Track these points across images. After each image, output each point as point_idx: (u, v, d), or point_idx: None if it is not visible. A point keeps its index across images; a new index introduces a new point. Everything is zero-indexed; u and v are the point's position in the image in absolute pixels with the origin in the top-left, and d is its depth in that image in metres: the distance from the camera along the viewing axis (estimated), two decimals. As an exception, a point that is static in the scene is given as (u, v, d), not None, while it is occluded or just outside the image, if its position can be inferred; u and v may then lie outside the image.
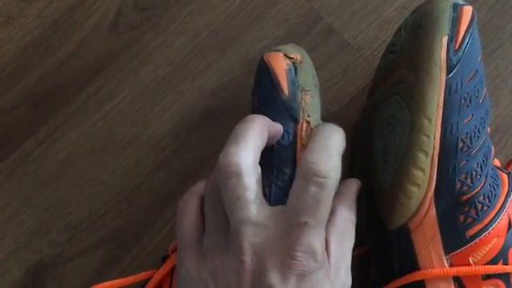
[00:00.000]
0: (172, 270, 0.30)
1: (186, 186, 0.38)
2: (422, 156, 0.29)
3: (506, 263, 0.30)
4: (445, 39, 0.29)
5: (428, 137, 0.29)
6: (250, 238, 0.25)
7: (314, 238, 0.25)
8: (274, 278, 0.25)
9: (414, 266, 0.31)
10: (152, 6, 0.41)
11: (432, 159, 0.29)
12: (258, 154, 0.27)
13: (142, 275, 0.31)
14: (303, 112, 0.29)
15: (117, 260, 0.39)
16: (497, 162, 0.33)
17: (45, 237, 0.39)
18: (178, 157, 0.40)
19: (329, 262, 0.27)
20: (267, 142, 0.28)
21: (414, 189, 0.29)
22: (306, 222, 0.25)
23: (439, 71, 0.29)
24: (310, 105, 0.29)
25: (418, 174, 0.29)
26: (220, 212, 0.27)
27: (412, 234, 0.31)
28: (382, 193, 0.32)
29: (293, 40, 0.41)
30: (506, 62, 0.41)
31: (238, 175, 0.25)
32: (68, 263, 0.39)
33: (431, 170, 0.29)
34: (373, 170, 0.33)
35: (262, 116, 0.28)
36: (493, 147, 0.32)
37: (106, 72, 0.40)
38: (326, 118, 0.40)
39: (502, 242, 0.30)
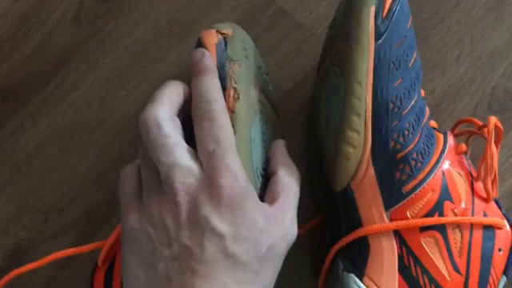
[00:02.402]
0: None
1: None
2: (355, 118, 0.31)
3: (441, 215, 0.31)
4: (372, 9, 0.31)
5: (359, 100, 0.31)
6: (181, 179, 0.28)
7: (230, 161, 0.28)
8: (206, 209, 0.27)
9: (358, 224, 0.33)
10: (112, -2, 0.43)
11: (365, 121, 0.31)
12: (175, 108, 0.30)
13: (94, 245, 0.33)
14: (230, 80, 0.31)
15: (89, 240, 0.40)
16: (433, 123, 0.35)
17: (19, 221, 0.41)
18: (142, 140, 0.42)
19: (272, 209, 0.30)
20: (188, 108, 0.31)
21: (350, 150, 0.31)
22: (213, 150, 0.28)
23: (368, 39, 0.31)
24: (238, 73, 0.31)
25: (353, 135, 0.31)
26: (153, 169, 0.29)
27: (355, 194, 0.33)
28: (326, 158, 0.34)
29: (247, 23, 0.43)
30: (450, 33, 0.42)
31: (157, 125, 0.28)
32: (43, 245, 0.41)
33: (365, 131, 0.31)
34: (319, 139, 0.35)
35: (176, 81, 0.31)
36: (427, 109, 0.34)
37: (71, 63, 0.43)
38: (282, 95, 0.42)
39: (436, 195, 0.32)
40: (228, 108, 0.30)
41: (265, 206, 0.30)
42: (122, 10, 0.43)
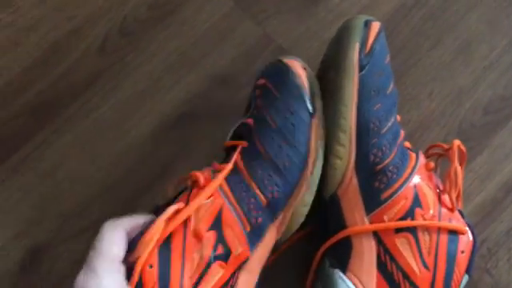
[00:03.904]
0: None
1: (160, 180, 0.46)
2: (341, 134, 0.37)
3: (413, 220, 0.37)
4: (357, 45, 0.38)
5: (345, 119, 0.37)
6: None
7: None
8: None
9: (343, 227, 0.38)
10: (133, 32, 0.50)
11: (350, 137, 0.37)
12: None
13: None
14: (315, 110, 0.37)
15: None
16: (408, 144, 0.41)
17: (40, 224, 0.45)
18: (154, 155, 0.47)
19: None
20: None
21: (337, 161, 0.37)
22: None
23: (353, 69, 0.37)
24: (319, 104, 0.37)
25: (340, 148, 0.37)
26: None
27: (340, 201, 0.38)
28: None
29: (250, 58, 0.50)
30: (424, 72, 0.49)
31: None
32: (60, 246, 0.45)
33: (350, 145, 0.37)
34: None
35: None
36: (402, 131, 0.40)
37: (94, 86, 0.49)
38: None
39: (409, 203, 0.37)
40: (315, 133, 0.36)
41: None
42: (141, 42, 0.50)
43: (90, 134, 0.48)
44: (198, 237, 0.33)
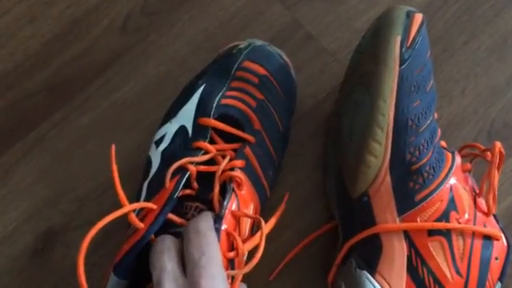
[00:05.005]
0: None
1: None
2: (378, 131, 0.35)
3: (447, 223, 0.36)
4: (398, 38, 0.36)
5: (383, 115, 0.35)
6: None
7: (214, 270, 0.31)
8: None
9: (373, 226, 0.37)
10: (156, 11, 0.48)
11: (387, 134, 0.35)
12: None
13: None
14: None
15: (119, 229, 0.44)
16: (443, 143, 0.39)
17: (56, 206, 0.44)
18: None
19: None
20: None
21: (372, 159, 0.36)
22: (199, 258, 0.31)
23: (393, 63, 0.35)
24: None
25: (376, 146, 0.35)
26: None
27: (371, 200, 0.37)
28: (347, 166, 0.38)
29: (278, 44, 0.47)
30: (457, 67, 0.48)
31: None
32: (76, 230, 0.44)
33: (386, 142, 0.35)
34: (341, 150, 0.39)
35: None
36: (439, 130, 0.38)
37: (115, 66, 0.47)
38: (305, 110, 0.46)
39: (444, 205, 0.36)
40: None
41: None
42: (164, 23, 0.48)
43: (110, 116, 0.46)
44: None
